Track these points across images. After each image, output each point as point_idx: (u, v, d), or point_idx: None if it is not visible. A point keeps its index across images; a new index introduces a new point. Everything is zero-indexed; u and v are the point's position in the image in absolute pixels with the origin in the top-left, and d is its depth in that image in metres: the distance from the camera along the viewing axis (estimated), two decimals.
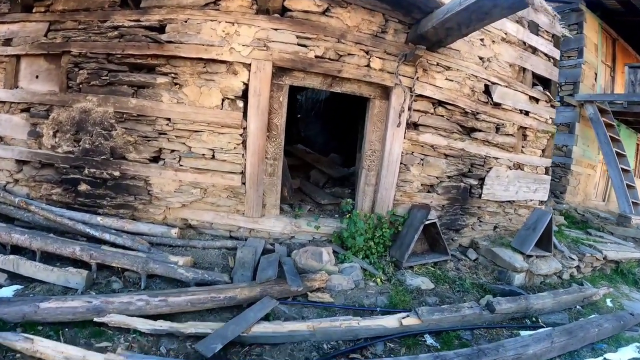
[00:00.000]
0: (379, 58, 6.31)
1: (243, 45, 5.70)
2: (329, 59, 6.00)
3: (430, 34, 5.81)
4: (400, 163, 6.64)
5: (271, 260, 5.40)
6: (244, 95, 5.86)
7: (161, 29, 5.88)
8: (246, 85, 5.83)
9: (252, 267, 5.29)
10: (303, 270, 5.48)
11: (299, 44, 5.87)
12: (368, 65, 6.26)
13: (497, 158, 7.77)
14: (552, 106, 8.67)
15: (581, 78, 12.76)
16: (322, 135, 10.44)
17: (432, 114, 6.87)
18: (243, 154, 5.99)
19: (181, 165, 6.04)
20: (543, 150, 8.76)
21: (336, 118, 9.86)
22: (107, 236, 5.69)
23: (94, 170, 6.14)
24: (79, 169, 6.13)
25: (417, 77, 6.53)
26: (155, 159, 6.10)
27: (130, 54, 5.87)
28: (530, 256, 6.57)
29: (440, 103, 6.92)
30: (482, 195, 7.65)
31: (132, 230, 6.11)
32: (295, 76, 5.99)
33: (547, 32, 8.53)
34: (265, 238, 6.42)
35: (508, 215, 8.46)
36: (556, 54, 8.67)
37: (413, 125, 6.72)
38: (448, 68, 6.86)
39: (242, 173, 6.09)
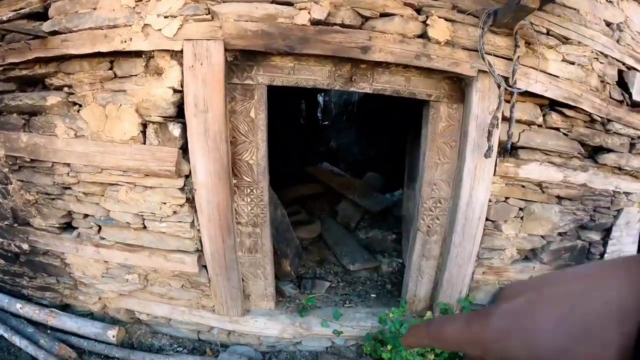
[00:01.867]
0: (445, 19, 2.15)
1: (165, 17, 1.91)
2: (342, 24, 1.99)
3: None
4: (486, 219, 2.49)
5: None
6: (179, 114, 2.02)
7: (45, 14, 2.15)
8: (180, 93, 1.96)
9: None
10: None
11: (275, 1, 1.87)
12: (423, 35, 2.15)
13: (629, 193, 3.20)
14: None
15: None
16: (358, 144, 6.43)
17: (539, 125, 2.63)
18: (193, 222, 2.23)
19: (103, 239, 2.45)
20: None
21: (374, 121, 5.78)
22: (16, 340, 2.78)
23: (2, 240, 2.73)
24: None
25: (519, 57, 2.26)
26: (66, 228, 2.53)
27: (12, 64, 2.28)
28: None
29: (553, 105, 2.58)
30: (605, 255, 3.23)
31: (58, 325, 3.02)
32: (274, 65, 2.16)
33: None
34: (253, 345, 2.65)
35: None
36: None
37: (509, 150, 2.46)
38: (566, 40, 2.49)
39: (199, 252, 2.34)
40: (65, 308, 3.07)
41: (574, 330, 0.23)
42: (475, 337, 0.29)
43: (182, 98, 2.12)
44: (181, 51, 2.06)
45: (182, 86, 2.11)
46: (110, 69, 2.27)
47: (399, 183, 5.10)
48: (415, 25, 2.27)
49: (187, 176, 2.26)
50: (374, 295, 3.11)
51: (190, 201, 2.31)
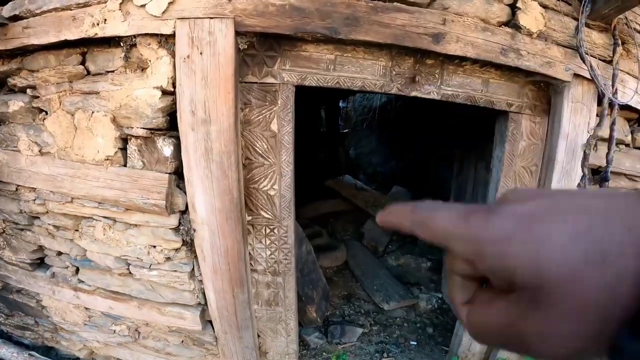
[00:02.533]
0: (537, 2, 1.23)
1: None
2: (406, 1, 1.04)
3: None
4: None
5: None
6: (172, 126, 1.14)
7: None
8: (172, 95, 1.09)
9: None
10: None
11: None
12: (509, 23, 1.24)
13: None
14: None
15: None
16: (378, 153, 5.51)
17: (627, 145, 1.66)
18: (193, 270, 1.35)
19: (81, 282, 1.61)
20: None
21: (398, 128, 4.83)
22: None
23: None
24: None
25: (618, 59, 1.34)
26: (40, 264, 1.67)
27: None
28: None
29: None
30: None
31: None
32: (306, 57, 1.28)
33: None
34: None
35: None
36: None
37: (608, 180, 1.55)
38: None
39: (202, 306, 1.46)
40: (49, 350, 2.29)
41: (589, 251, 0.17)
42: (471, 235, 0.21)
43: (174, 103, 1.31)
44: (173, 35, 1.25)
45: (174, 86, 1.29)
46: (82, 63, 1.47)
47: (425, 193, 4.25)
48: (500, 9, 1.44)
49: (184, 212, 1.44)
50: (415, 343, 2.27)
51: (189, 245, 1.49)
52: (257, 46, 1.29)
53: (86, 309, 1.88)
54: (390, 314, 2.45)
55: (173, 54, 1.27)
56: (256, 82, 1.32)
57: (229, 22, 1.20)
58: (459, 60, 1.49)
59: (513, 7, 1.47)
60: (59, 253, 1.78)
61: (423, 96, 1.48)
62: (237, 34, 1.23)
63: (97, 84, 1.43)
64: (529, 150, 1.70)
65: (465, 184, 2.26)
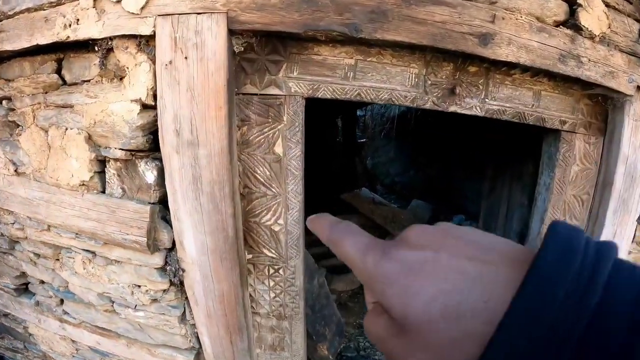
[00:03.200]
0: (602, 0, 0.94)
1: None
2: None
3: None
4: None
5: None
6: (155, 146, 0.87)
7: None
8: (154, 110, 0.81)
9: None
10: None
11: None
12: (567, 23, 0.91)
13: None
14: None
15: None
16: (398, 162, 5.14)
17: None
18: (184, 314, 1.08)
19: (66, 313, 1.34)
20: None
21: (418, 137, 4.43)
22: None
23: None
24: None
25: None
26: (25, 289, 1.46)
27: None
28: None
29: None
30: None
31: None
32: (318, 62, 1.08)
33: None
34: None
35: None
36: None
37: None
38: None
39: (195, 350, 1.19)
40: None
41: (447, 308, 0.21)
42: (365, 269, 0.26)
43: (157, 119, 1.05)
44: (154, 36, 0.98)
45: (155, 99, 1.03)
46: (58, 71, 1.23)
47: (446, 207, 3.88)
48: (557, 5, 1.15)
49: (171, 249, 1.19)
50: None
51: (178, 286, 1.24)
52: (258, 49, 1.01)
53: (73, 341, 1.67)
54: None
55: (154, 60, 1.01)
56: (256, 94, 1.04)
57: (221, 18, 0.93)
58: (507, 68, 1.17)
59: (572, 4, 1.15)
60: (42, 282, 1.57)
61: (464, 112, 1.16)
62: (232, 33, 0.96)
63: (72, 95, 1.19)
64: (581, 176, 1.37)
65: (498, 205, 1.92)
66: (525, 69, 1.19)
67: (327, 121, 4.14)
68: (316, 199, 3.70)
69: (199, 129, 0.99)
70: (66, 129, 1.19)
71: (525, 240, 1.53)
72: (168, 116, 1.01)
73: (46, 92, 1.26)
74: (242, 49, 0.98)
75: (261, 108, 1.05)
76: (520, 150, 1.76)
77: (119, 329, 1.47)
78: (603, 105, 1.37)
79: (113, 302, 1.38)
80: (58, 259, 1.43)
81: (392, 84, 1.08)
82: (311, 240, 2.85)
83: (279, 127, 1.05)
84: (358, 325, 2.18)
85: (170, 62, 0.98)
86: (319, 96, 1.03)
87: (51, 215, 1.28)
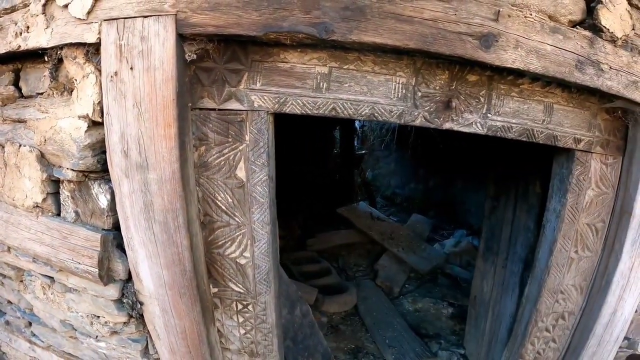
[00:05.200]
0: None
1: None
2: None
3: None
4: (624, 338, 0.98)
5: None
6: (105, 167, 0.69)
7: None
8: (102, 125, 0.63)
9: None
10: None
11: None
12: (584, 23, 0.74)
13: None
14: None
15: None
16: (398, 174, 4.86)
17: None
18: (145, 348, 0.91)
19: (34, 335, 1.19)
20: None
21: (418, 149, 4.14)
22: None
23: None
24: None
25: None
26: None
27: None
28: None
29: None
30: None
31: None
32: (285, 71, 0.95)
33: None
34: None
35: None
36: None
37: None
38: None
39: None
40: None
41: None
42: None
43: (103, 140, 0.88)
44: (99, 44, 0.82)
45: (102, 114, 0.87)
46: (15, 82, 1.09)
47: (447, 226, 3.61)
48: (573, 2, 0.93)
49: (127, 280, 1.02)
50: None
51: (138, 319, 1.07)
52: (215, 56, 0.83)
53: None
54: None
55: (101, 71, 0.85)
56: (215, 109, 0.86)
57: (169, 21, 0.76)
58: (514, 77, 0.96)
59: (589, 1, 0.93)
60: (9, 302, 1.44)
61: (461, 129, 0.95)
62: (183, 38, 0.79)
63: (26, 109, 1.05)
64: (596, 202, 1.13)
65: (500, 227, 1.68)
66: (534, 77, 0.97)
67: (322, 133, 3.94)
68: (311, 213, 3.50)
69: (147, 150, 0.83)
70: (20, 145, 1.05)
71: (530, 270, 1.30)
72: (114, 135, 0.85)
73: (4, 105, 1.13)
74: (195, 56, 0.80)
75: (220, 125, 0.87)
76: (523, 165, 1.52)
77: (85, 357, 1.32)
78: (623, 121, 1.13)
79: (75, 329, 1.23)
80: (22, 281, 1.30)
81: (375, 96, 0.88)
82: (301, 257, 2.67)
83: (240, 147, 0.87)
84: (349, 350, 1.96)
85: (116, 74, 0.82)
86: (287, 111, 0.85)
87: (9, 237, 1.15)
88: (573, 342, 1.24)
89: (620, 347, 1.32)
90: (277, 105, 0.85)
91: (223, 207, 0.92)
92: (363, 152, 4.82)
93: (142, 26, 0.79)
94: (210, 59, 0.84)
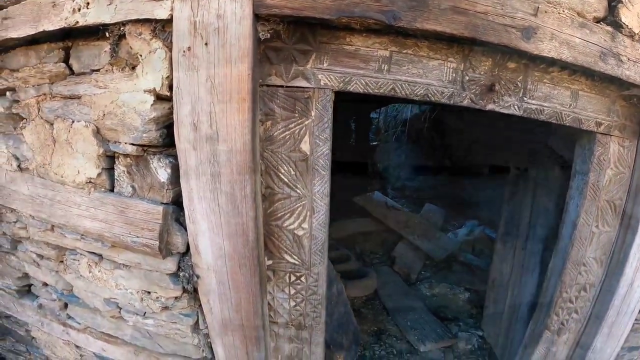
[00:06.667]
0: None
1: None
2: None
3: None
4: None
5: None
6: (170, 141, 0.72)
7: None
8: (169, 102, 0.67)
9: None
10: None
11: None
12: (606, 20, 0.97)
13: None
14: None
15: None
16: (409, 166, 4.98)
17: None
18: (195, 324, 0.94)
19: (70, 318, 1.19)
20: None
21: (430, 141, 4.24)
22: None
23: None
24: None
25: None
26: (27, 291, 1.31)
27: None
28: None
29: None
30: None
31: None
32: (350, 53, 0.94)
33: None
34: None
35: None
36: None
37: None
38: None
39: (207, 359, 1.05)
40: None
41: None
42: None
43: (172, 112, 0.92)
44: (170, 21, 0.86)
45: (171, 89, 0.90)
46: (66, 60, 1.10)
47: (459, 215, 3.71)
48: (598, 1, 1.02)
49: (184, 254, 1.06)
50: None
51: (191, 293, 1.11)
52: (285, 36, 0.88)
53: (77, 346, 1.54)
54: (426, 355, 2.00)
55: (170, 47, 0.88)
56: (282, 86, 0.91)
57: (246, 1, 0.80)
58: (546, 65, 1.06)
59: (610, 0, 1.05)
60: (45, 284, 1.43)
61: (501, 110, 1.04)
62: (257, 18, 0.83)
63: (79, 85, 1.06)
64: (614, 181, 1.25)
65: (519, 211, 1.80)
66: (563, 66, 1.07)
67: (340, 124, 4.00)
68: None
69: (219, 123, 0.87)
70: (72, 121, 1.06)
71: (552, 246, 1.41)
72: (185, 108, 0.88)
73: (52, 83, 1.13)
74: (268, 36, 0.85)
75: (287, 101, 0.92)
76: (541, 152, 1.64)
77: (126, 336, 1.33)
78: (638, 107, 1.26)
79: (120, 308, 1.24)
80: (62, 261, 1.30)
81: (429, 78, 0.95)
82: None
83: (306, 122, 0.93)
84: (373, 332, 2.04)
85: (189, 49, 0.85)
86: (351, 89, 0.91)
87: (55, 215, 1.15)
88: (593, 313, 1.36)
89: (636, 320, 1.45)
90: (342, 84, 0.91)
91: (285, 180, 0.97)
92: (376, 143, 4.90)
93: (218, 5, 0.82)
94: (279, 39, 0.89)
